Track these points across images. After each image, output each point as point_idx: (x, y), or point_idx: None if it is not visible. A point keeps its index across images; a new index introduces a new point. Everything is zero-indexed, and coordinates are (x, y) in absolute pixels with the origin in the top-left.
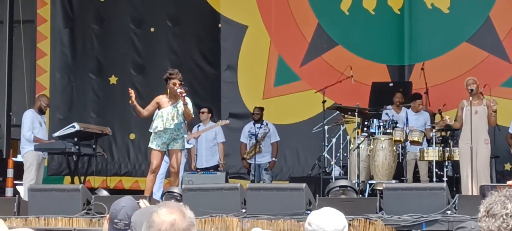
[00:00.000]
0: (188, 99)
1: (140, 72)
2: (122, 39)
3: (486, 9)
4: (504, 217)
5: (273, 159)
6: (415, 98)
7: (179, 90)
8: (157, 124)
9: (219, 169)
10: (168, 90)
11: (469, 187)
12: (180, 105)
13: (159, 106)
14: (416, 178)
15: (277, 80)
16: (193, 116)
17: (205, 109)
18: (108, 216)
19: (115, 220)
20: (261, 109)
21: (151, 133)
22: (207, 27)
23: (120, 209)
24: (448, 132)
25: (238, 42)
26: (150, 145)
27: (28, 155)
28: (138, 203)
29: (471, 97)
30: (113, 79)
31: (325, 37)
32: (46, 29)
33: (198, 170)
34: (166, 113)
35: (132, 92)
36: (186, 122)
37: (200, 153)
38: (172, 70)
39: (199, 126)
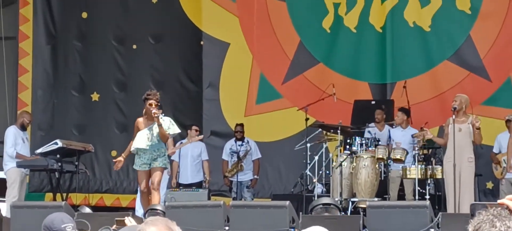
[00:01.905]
0: (166, 119)
1: (122, 89)
2: (105, 56)
3: (467, 28)
4: None
5: (255, 176)
6: (399, 110)
7: (153, 111)
8: (134, 145)
9: (203, 186)
10: (145, 111)
11: (452, 205)
12: (156, 126)
13: (138, 129)
14: (400, 196)
15: (259, 97)
16: (168, 136)
17: (197, 128)
18: None
19: (63, 226)
20: (242, 126)
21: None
22: (189, 44)
23: (57, 218)
24: (430, 150)
25: (220, 59)
26: (134, 166)
27: (10, 171)
28: (124, 220)
29: (454, 115)
30: (95, 96)
31: (307, 55)
32: (28, 45)
33: (181, 187)
34: (139, 136)
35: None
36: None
37: (185, 169)
38: (150, 91)
39: (181, 142)
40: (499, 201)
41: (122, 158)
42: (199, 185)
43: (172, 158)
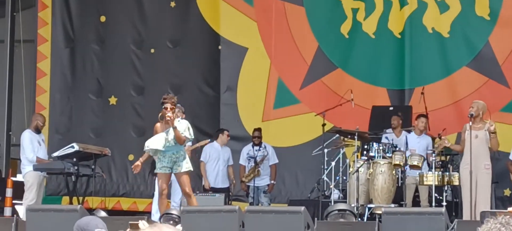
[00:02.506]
0: (182, 122)
1: (140, 93)
2: (123, 60)
3: (486, 34)
4: None
5: (272, 181)
6: (419, 116)
7: (168, 114)
8: (147, 144)
9: (231, 190)
10: (160, 115)
11: (468, 212)
12: (171, 130)
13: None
14: (416, 203)
15: (276, 102)
16: (185, 139)
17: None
18: None
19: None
20: (260, 130)
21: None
22: (207, 49)
23: (92, 221)
24: (448, 157)
25: (238, 64)
26: (155, 170)
27: (28, 175)
28: (138, 224)
29: (471, 122)
30: (112, 100)
31: (325, 60)
32: (46, 49)
33: (207, 190)
34: (155, 138)
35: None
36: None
37: (217, 173)
38: (166, 94)
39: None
40: (509, 209)
41: (140, 162)
42: (227, 189)
43: (200, 159)
